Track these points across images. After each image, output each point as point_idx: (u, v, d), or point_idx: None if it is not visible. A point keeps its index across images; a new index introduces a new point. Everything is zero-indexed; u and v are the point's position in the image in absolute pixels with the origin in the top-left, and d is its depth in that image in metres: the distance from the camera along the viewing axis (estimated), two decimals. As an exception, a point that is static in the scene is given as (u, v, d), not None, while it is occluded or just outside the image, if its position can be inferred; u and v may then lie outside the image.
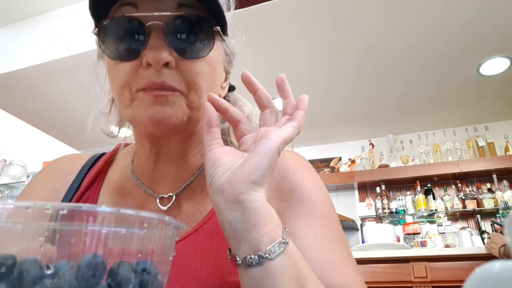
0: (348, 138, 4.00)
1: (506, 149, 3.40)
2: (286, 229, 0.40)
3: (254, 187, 0.37)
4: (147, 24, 0.45)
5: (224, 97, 0.60)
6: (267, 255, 0.35)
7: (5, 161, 2.97)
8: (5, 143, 3.32)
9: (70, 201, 0.59)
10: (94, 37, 0.49)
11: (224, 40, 0.54)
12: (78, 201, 0.59)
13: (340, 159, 4.01)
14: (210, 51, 0.49)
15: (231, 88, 0.64)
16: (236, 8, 0.59)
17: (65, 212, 0.21)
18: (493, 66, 2.75)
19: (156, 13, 0.45)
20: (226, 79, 0.60)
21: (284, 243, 0.37)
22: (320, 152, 4.09)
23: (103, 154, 0.67)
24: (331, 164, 3.99)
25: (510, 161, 3.17)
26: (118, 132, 0.61)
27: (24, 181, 2.83)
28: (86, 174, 0.62)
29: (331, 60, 2.70)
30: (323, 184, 0.58)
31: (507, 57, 2.66)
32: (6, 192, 2.86)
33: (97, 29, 0.48)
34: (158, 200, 0.55)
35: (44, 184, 0.62)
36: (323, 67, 2.78)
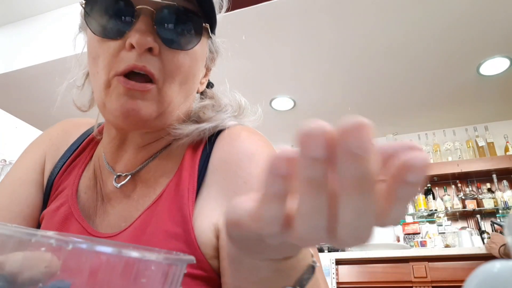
0: (348, 138, 3.99)
1: (506, 149, 3.39)
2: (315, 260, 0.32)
3: None
4: (137, 7, 0.45)
5: (202, 93, 0.62)
6: None
7: (5, 161, 2.96)
8: (5, 143, 3.31)
9: (65, 162, 0.61)
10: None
11: (210, 37, 0.55)
12: (71, 163, 0.61)
13: (340, 159, 4.00)
14: (195, 46, 0.49)
15: (210, 85, 0.65)
16: (228, 10, 0.60)
17: (69, 248, 0.21)
18: (493, 66, 2.74)
19: None
20: (206, 75, 0.61)
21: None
22: (320, 152, 4.08)
23: None
24: (331, 164, 3.98)
25: (510, 161, 3.17)
26: (89, 108, 0.61)
27: (24, 181, 2.82)
28: (85, 138, 0.64)
29: (331, 60, 2.69)
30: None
31: (507, 57, 2.66)
32: (6, 192, 2.85)
33: (85, 1, 0.48)
34: (115, 178, 0.56)
35: (51, 139, 0.65)
36: (323, 67, 2.77)
